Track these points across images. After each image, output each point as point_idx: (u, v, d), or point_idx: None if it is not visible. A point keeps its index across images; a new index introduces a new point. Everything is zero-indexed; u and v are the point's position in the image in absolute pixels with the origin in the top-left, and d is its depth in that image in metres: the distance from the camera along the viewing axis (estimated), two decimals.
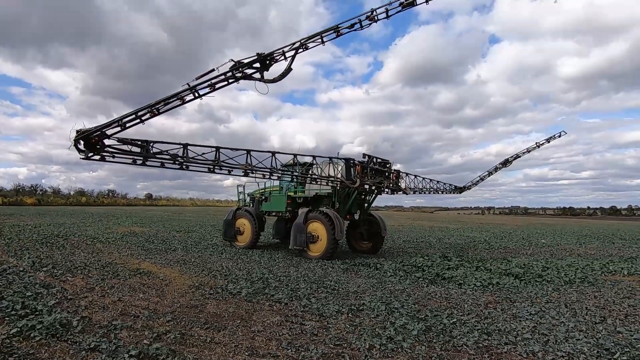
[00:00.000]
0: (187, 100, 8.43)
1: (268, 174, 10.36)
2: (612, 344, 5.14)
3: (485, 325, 5.95)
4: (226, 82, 8.68)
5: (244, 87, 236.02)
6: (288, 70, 9.23)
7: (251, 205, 16.41)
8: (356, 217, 14.52)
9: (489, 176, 22.17)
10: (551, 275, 10.43)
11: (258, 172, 10.09)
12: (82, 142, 7.49)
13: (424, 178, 17.34)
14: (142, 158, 8.35)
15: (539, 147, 22.77)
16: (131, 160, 8.31)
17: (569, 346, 5.06)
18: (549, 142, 22.73)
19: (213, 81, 8.47)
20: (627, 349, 4.96)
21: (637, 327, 6.02)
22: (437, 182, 18.37)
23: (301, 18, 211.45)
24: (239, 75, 8.72)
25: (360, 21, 9.83)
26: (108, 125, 7.90)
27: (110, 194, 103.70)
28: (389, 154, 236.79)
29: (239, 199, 17.17)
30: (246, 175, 9.89)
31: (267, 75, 9.25)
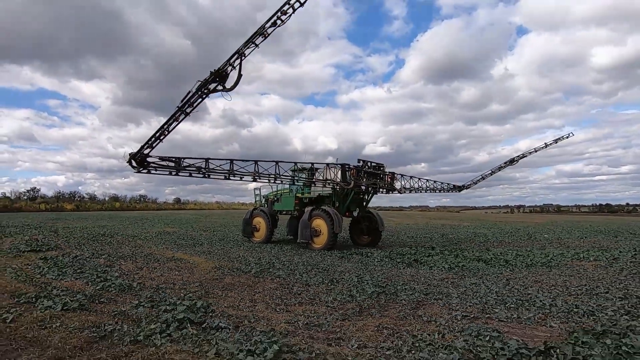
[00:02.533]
0: (180, 120, 10.83)
1: (273, 179, 12.67)
2: (511, 298, 7.02)
3: (426, 289, 7.92)
4: (200, 99, 10.94)
5: (265, 91, 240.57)
6: (239, 76, 11.06)
7: (266, 205, 18.80)
8: (355, 214, 16.56)
9: (491, 175, 23.55)
10: (517, 261, 12.08)
11: (264, 178, 12.43)
12: (133, 162, 10.09)
13: (419, 179, 19.17)
14: (175, 170, 10.86)
15: (546, 147, 23.99)
16: (168, 172, 10.84)
17: (478, 300, 6.98)
18: (556, 142, 23.90)
19: (192, 100, 10.82)
20: (521, 300, 6.83)
21: (544, 291, 7.80)
22: (434, 181, 20.14)
23: (320, 19, 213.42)
24: (206, 91, 10.91)
25: (278, 17, 11.20)
26: (143, 147, 10.43)
27: (142, 199, 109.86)
28: (413, 154, 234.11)
29: (255, 200, 19.63)
30: (255, 180, 12.27)
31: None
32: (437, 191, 20.47)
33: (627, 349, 4.14)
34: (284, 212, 17.96)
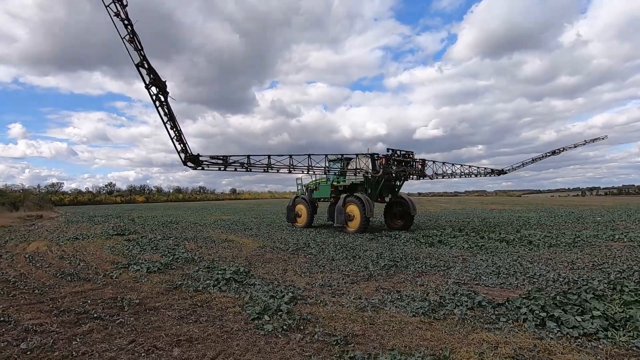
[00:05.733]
0: (174, 125, 12.25)
1: (306, 170, 14.31)
2: (509, 270, 7.95)
3: (435, 263, 9.05)
4: (164, 107, 12.14)
5: (312, 80, 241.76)
6: (159, 82, 11.85)
7: (306, 193, 20.58)
8: (387, 199, 17.67)
9: (532, 162, 23.08)
10: (541, 242, 12.50)
11: (297, 170, 14.10)
12: (188, 163, 12.36)
13: (453, 164, 19.61)
14: (223, 166, 12.97)
15: (585, 144, 23.13)
16: (217, 168, 12.98)
17: (476, 272, 8.00)
18: (593, 142, 23.02)
19: (162, 113, 12.19)
20: (515, 272, 7.74)
21: (547, 266, 8.54)
22: (469, 166, 20.38)
23: (365, 2, 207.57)
24: (162, 102, 12.03)
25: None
26: (181, 151, 12.58)
27: (201, 190, 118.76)
28: (468, 136, 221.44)
29: (297, 189, 21.51)
30: (290, 172, 13.97)
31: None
32: (472, 176, 20.70)
33: (560, 299, 5.14)
34: (322, 200, 19.60)
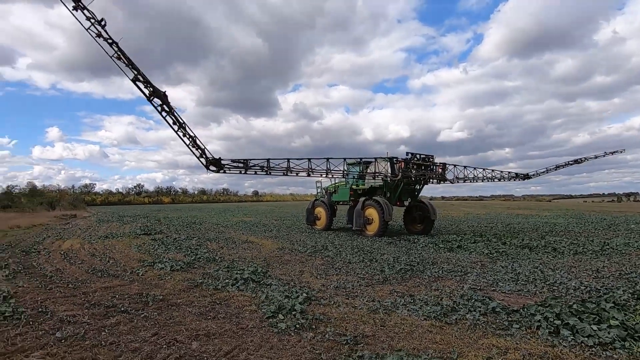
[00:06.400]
0: (185, 131, 12.58)
1: (324, 173, 14.48)
2: (528, 277, 7.80)
3: (452, 268, 8.98)
4: (171, 115, 12.41)
5: (334, 82, 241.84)
6: (159, 93, 12.05)
7: (325, 196, 20.75)
8: (406, 203, 17.57)
9: (555, 170, 22.38)
10: (567, 249, 12.10)
11: (316, 173, 14.30)
12: (211, 167, 12.81)
13: (475, 168, 19.26)
14: (244, 169, 13.37)
15: (605, 155, 22.55)
16: (238, 171, 13.40)
17: (493, 278, 7.90)
18: (612, 154, 22.47)
19: (171, 120, 12.51)
20: (535, 279, 7.59)
21: (569, 274, 8.30)
22: (492, 170, 19.93)
23: (388, 3, 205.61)
24: (164, 110, 12.30)
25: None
26: (201, 156, 13.01)
27: (225, 192, 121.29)
28: (495, 138, 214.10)
29: (317, 192, 21.72)
30: (309, 176, 14.20)
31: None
32: (496, 180, 20.25)
33: (577, 308, 5.05)
34: (341, 203, 19.71)
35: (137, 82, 11.94)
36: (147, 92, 12.07)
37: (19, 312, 5.42)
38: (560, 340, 4.41)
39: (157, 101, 12.26)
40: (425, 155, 16.75)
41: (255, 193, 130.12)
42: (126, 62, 11.69)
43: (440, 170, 17.20)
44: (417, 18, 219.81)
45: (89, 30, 11.30)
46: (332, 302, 6.06)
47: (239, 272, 8.20)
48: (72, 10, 11.00)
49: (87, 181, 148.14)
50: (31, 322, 5.06)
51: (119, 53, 11.57)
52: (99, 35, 11.30)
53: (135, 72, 11.84)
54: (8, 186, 61.00)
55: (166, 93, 12.26)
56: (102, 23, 11.30)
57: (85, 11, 11.09)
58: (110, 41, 11.49)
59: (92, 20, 11.21)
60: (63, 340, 4.44)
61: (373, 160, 16.33)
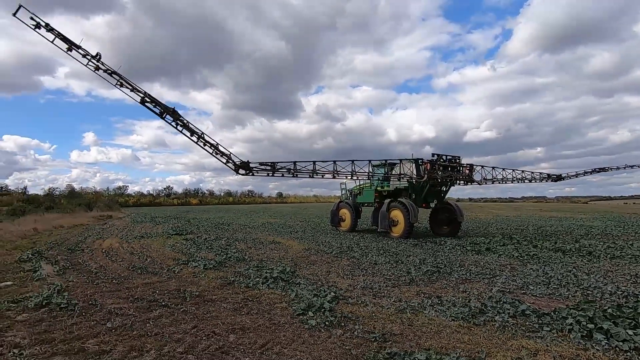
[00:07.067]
0: (205, 141, 12.97)
1: (350, 175, 14.64)
2: (560, 281, 7.63)
3: (480, 271, 8.90)
4: (183, 127, 12.74)
5: (357, 84, 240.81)
6: (168, 110, 12.44)
7: (350, 198, 20.87)
8: (432, 205, 17.39)
9: (584, 175, 21.59)
10: (603, 253, 11.63)
11: (342, 175, 14.47)
12: (239, 170, 13.29)
13: (504, 169, 18.79)
14: (271, 172, 13.76)
15: (625, 168, 21.57)
16: (266, 174, 13.81)
17: (523, 281, 7.78)
18: (632, 167, 21.41)
19: (187, 132, 12.88)
20: (568, 283, 7.42)
21: (605, 278, 8.04)
22: (522, 171, 19.39)
23: (412, 1, 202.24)
24: (179, 125, 12.67)
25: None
26: (229, 161, 13.44)
27: (250, 194, 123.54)
28: (525, 137, 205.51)
29: (341, 194, 21.88)
30: (334, 178, 14.39)
31: None
32: (526, 181, 19.64)
33: (611, 312, 4.94)
34: (365, 204, 19.77)
35: (146, 104, 12.46)
36: (157, 110, 12.62)
37: (73, 304, 5.93)
38: (593, 344, 4.37)
39: (169, 118, 12.79)
40: (452, 156, 16.54)
41: (280, 195, 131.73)
42: (130, 88, 12.26)
43: (467, 171, 16.93)
44: (442, 15, 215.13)
45: (87, 65, 11.93)
46: (360, 302, 6.22)
47: (268, 271, 8.51)
48: (67, 51, 11.69)
49: (121, 183, 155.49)
50: (84, 313, 5.54)
51: (121, 81, 12.12)
52: (97, 69, 11.90)
53: (142, 95, 12.36)
54: (49, 188, 65.00)
55: (175, 109, 12.82)
56: (97, 57, 11.90)
57: (80, 50, 11.76)
58: (109, 72, 12.05)
59: (88, 57, 11.83)
60: (113, 330, 4.85)
61: (398, 161, 16.32)
